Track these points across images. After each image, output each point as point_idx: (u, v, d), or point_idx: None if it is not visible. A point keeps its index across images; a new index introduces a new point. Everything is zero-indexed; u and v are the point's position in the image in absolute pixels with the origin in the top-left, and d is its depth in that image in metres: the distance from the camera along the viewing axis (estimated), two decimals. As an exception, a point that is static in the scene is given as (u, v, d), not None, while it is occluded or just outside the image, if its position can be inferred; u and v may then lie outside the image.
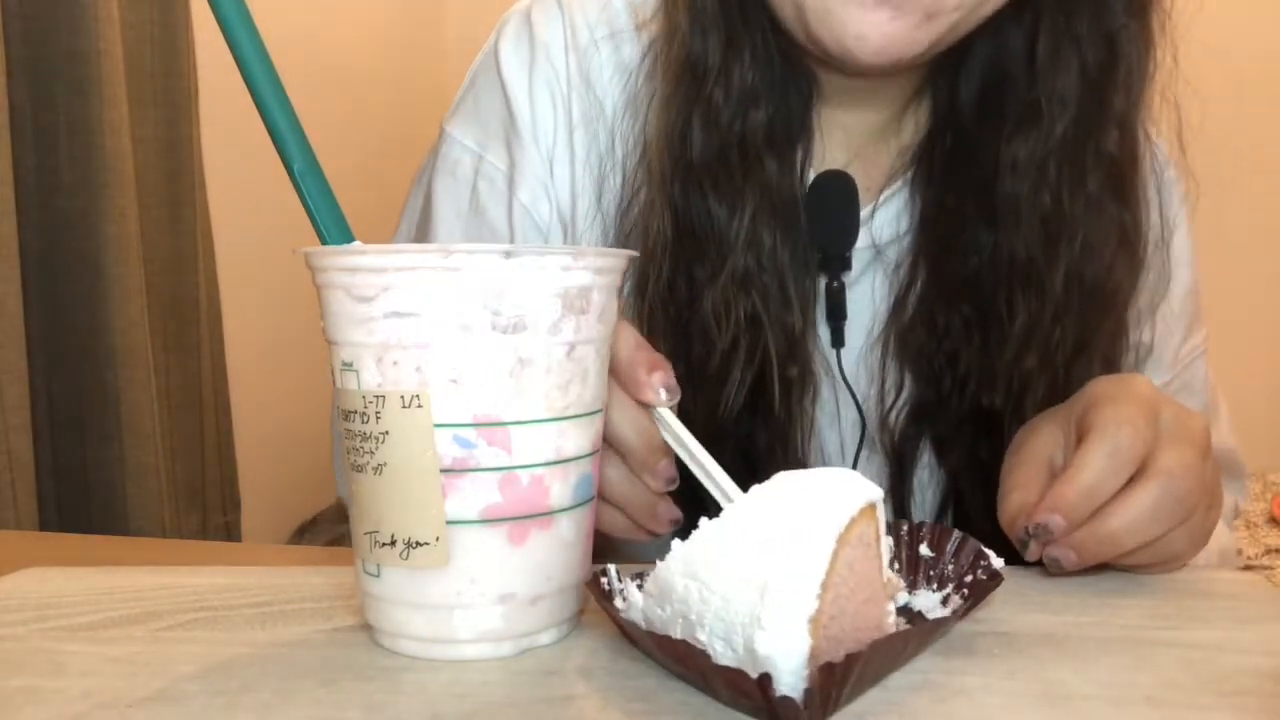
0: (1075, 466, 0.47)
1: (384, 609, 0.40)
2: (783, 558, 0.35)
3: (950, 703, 0.36)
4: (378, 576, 0.40)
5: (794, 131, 0.66)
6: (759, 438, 0.66)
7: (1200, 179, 0.71)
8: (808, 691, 0.33)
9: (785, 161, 0.66)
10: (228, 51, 0.43)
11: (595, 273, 0.40)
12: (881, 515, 0.39)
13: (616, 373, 0.46)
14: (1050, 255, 0.64)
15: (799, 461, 0.68)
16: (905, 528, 0.45)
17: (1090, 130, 0.63)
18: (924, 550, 0.45)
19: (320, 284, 0.40)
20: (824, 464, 0.70)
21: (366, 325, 0.38)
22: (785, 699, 0.32)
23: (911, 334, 0.68)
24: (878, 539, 0.39)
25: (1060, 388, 0.65)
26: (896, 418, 0.68)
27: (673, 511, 0.49)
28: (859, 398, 0.69)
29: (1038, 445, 0.52)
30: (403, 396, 0.38)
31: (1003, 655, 0.40)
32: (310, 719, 0.35)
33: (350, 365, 0.39)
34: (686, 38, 0.64)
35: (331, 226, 0.44)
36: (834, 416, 0.70)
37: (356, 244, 0.44)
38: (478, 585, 0.39)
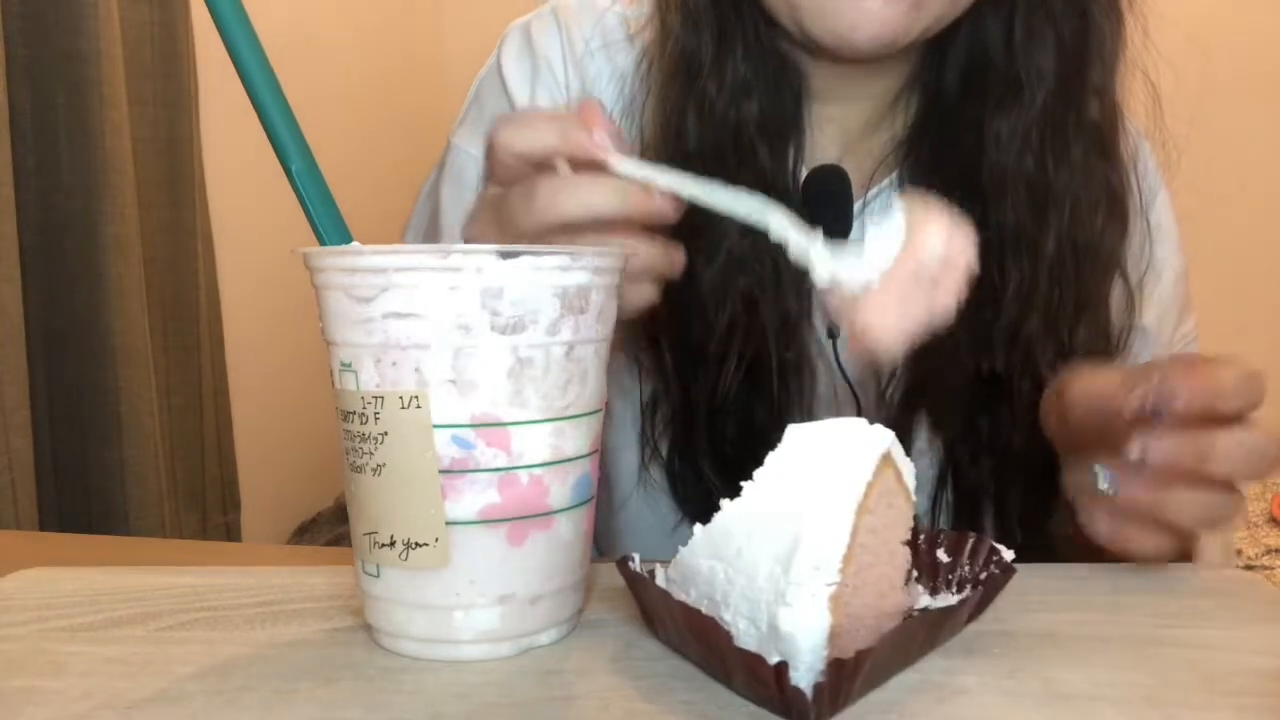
0: (1217, 362, 0.45)
1: (384, 609, 0.40)
2: (804, 535, 0.35)
3: (950, 703, 0.36)
4: (377, 577, 0.40)
5: (785, 126, 0.68)
6: (758, 419, 0.68)
7: (1199, 178, 0.72)
8: (817, 687, 0.33)
9: (778, 154, 0.67)
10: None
11: (594, 273, 0.40)
12: (898, 452, 0.39)
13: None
14: (1039, 222, 0.65)
15: None
16: (923, 535, 0.46)
17: (1071, 100, 0.65)
18: (941, 555, 0.46)
19: (319, 284, 0.40)
20: None
21: (365, 326, 0.38)
22: (796, 691, 0.33)
23: None
24: (899, 478, 0.39)
25: (1068, 350, 0.66)
26: (892, 396, 0.69)
27: (680, 251, 0.50)
28: (853, 383, 0.70)
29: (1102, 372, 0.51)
30: (401, 397, 0.38)
31: (1003, 655, 0.40)
32: (310, 719, 0.35)
33: (349, 366, 0.39)
34: (679, 35, 0.66)
35: (329, 227, 0.44)
36: (830, 402, 0.71)
37: (355, 245, 0.44)
38: (477, 586, 0.39)
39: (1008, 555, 0.44)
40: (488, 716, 0.35)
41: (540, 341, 0.38)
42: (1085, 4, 0.65)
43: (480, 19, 0.76)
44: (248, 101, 0.43)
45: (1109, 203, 0.66)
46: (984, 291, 0.66)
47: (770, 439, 0.69)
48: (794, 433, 0.40)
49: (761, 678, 0.34)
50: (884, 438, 0.39)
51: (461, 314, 0.37)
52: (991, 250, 0.66)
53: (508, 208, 0.48)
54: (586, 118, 0.47)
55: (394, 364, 0.38)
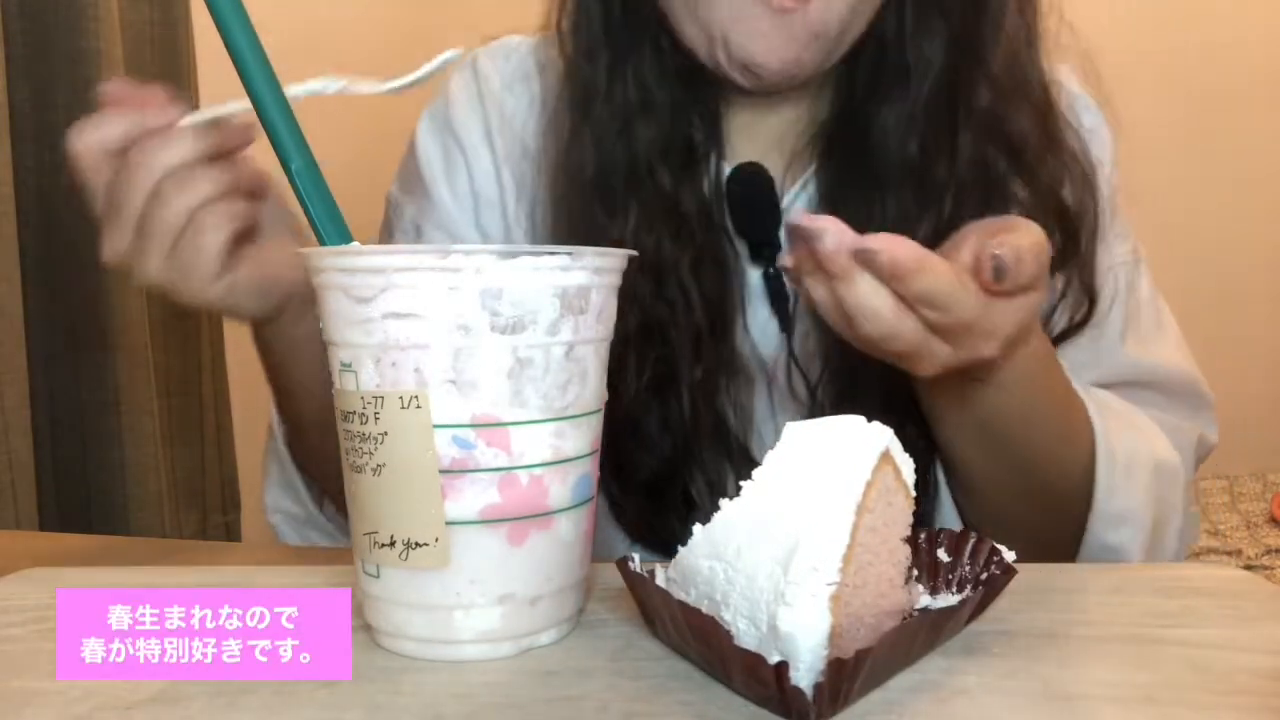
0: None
1: (384, 609, 0.40)
2: (804, 535, 0.35)
3: (950, 703, 0.36)
4: (377, 577, 0.40)
5: (697, 140, 0.69)
6: (674, 440, 0.68)
7: (1191, 182, 0.71)
8: (817, 686, 0.33)
9: (686, 171, 0.68)
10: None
11: (594, 273, 0.40)
12: (897, 449, 0.39)
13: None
14: (921, 212, 0.65)
15: (745, 455, 0.69)
16: (924, 535, 0.46)
17: (958, 89, 0.65)
18: (942, 555, 0.46)
19: (318, 284, 0.40)
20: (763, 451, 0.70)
21: (365, 326, 0.38)
22: (796, 690, 0.33)
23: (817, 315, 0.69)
24: (898, 475, 0.39)
25: None
26: (822, 398, 0.69)
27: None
28: (806, 372, 0.69)
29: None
30: (401, 397, 0.38)
31: (1003, 655, 0.40)
32: (310, 719, 0.35)
33: (349, 366, 0.39)
34: (573, 64, 0.69)
35: (329, 227, 0.44)
36: (768, 406, 0.71)
37: (355, 244, 0.44)
38: (477, 586, 0.39)
39: (1009, 555, 0.44)
40: (488, 716, 0.35)
41: (540, 342, 0.38)
42: None
43: (481, 16, 0.77)
44: (248, 101, 0.43)
45: (1001, 195, 0.66)
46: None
47: (694, 460, 0.68)
48: (792, 431, 0.40)
49: (761, 678, 0.34)
50: (883, 435, 0.39)
51: (461, 314, 0.37)
52: None
53: (115, 200, 0.52)
54: (139, 100, 0.52)
55: (394, 364, 0.38)
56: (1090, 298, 0.68)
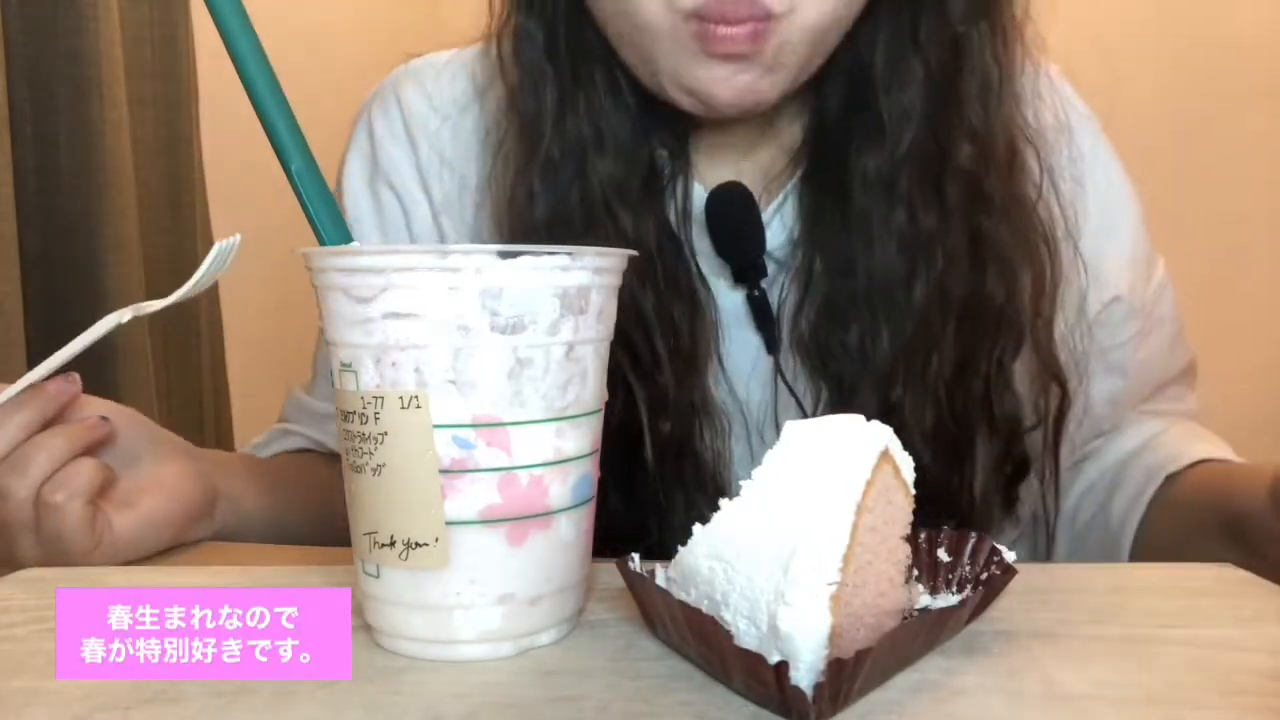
0: None
1: (383, 609, 0.40)
2: (803, 535, 0.35)
3: (950, 703, 0.36)
4: (377, 577, 0.40)
5: (662, 165, 0.65)
6: (640, 501, 0.64)
7: (1196, 184, 0.72)
8: (817, 686, 0.33)
9: (646, 205, 0.64)
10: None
11: (594, 272, 0.40)
12: (896, 447, 0.39)
13: None
14: (908, 274, 0.61)
15: (711, 499, 0.66)
16: (924, 535, 0.46)
17: (940, 142, 0.61)
18: (942, 555, 0.46)
19: (318, 285, 0.40)
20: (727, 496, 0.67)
21: (365, 326, 0.38)
22: (796, 690, 0.33)
23: (808, 352, 0.65)
24: (897, 474, 0.39)
25: (946, 415, 0.62)
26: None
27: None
28: (799, 395, 0.66)
29: None
30: (401, 397, 0.38)
31: (1003, 654, 0.40)
32: (310, 719, 0.35)
33: (349, 366, 0.39)
34: (518, 98, 0.64)
35: (329, 227, 0.44)
36: (746, 447, 0.67)
37: (354, 245, 0.44)
38: (477, 586, 0.39)
39: (1009, 555, 0.44)
40: (488, 716, 0.35)
41: (540, 342, 0.38)
42: (957, 36, 0.61)
43: (479, 15, 0.76)
44: (248, 101, 0.43)
45: (993, 252, 0.62)
46: (856, 346, 0.62)
47: (671, 505, 0.64)
48: (791, 430, 0.40)
49: (761, 678, 0.34)
50: (882, 434, 0.39)
51: (461, 314, 0.37)
52: (859, 300, 0.62)
53: None
54: None
55: (394, 364, 0.38)
56: (1058, 381, 0.65)
